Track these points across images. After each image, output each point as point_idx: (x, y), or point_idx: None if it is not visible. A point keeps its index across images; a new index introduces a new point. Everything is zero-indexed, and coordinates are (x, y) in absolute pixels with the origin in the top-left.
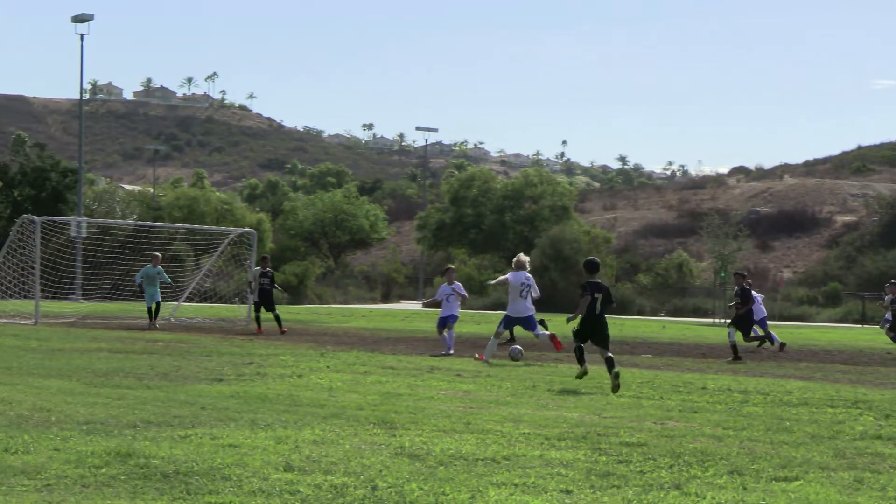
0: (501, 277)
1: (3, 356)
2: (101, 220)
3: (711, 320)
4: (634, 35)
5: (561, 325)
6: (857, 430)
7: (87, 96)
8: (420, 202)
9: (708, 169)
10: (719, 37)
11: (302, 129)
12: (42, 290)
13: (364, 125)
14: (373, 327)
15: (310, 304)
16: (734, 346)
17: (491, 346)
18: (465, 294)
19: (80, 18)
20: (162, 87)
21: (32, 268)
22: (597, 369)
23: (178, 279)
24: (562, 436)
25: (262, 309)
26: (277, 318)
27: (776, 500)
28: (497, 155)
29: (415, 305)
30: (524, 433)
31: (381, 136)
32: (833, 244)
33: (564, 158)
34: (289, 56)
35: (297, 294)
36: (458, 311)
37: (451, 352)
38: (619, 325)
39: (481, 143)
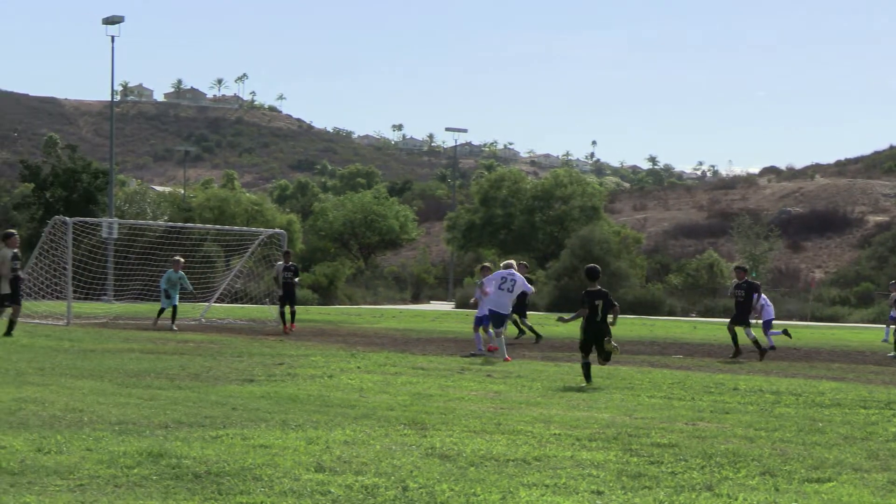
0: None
1: (35, 357)
2: (132, 221)
3: None
4: (665, 35)
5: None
6: (891, 431)
7: (118, 98)
8: (450, 203)
9: (738, 169)
10: (750, 36)
11: (332, 130)
12: (74, 291)
13: (394, 126)
14: (403, 328)
15: (340, 304)
16: (755, 342)
17: (500, 345)
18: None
19: (110, 20)
20: (192, 88)
21: (64, 269)
22: (628, 370)
23: (208, 280)
24: (593, 437)
25: (286, 304)
26: (292, 314)
27: (809, 502)
28: (527, 155)
29: (445, 306)
30: (555, 434)
31: (411, 137)
32: (865, 244)
33: (594, 159)
34: (319, 57)
35: (327, 295)
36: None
37: (482, 351)
38: (649, 326)
39: (511, 144)
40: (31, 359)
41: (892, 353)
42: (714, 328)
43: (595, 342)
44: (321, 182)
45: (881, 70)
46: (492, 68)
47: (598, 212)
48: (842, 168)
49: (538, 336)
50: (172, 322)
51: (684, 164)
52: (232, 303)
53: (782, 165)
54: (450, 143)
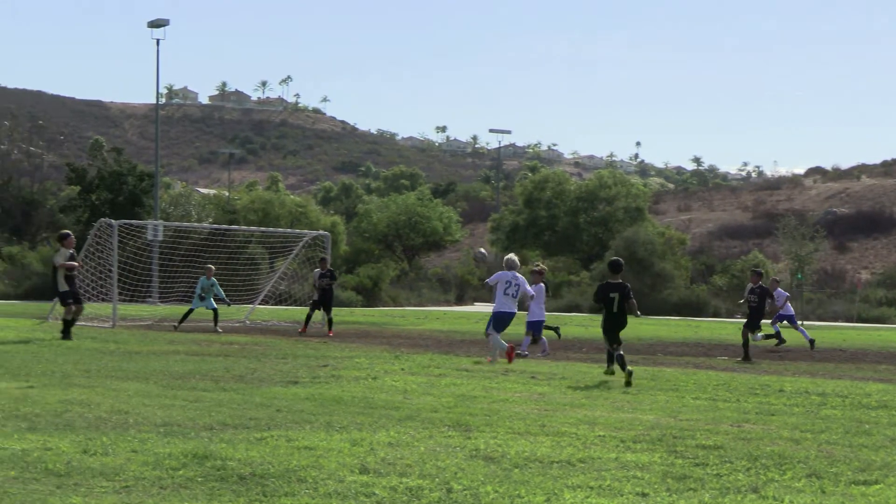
0: (490, 279)
1: (81, 359)
2: (177, 223)
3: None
4: (709, 35)
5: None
6: None
7: (163, 101)
8: (494, 204)
9: (784, 170)
10: (795, 35)
11: (375, 132)
12: (119, 294)
13: (437, 127)
14: (447, 329)
15: (384, 306)
16: (777, 335)
17: (496, 343)
18: (527, 290)
19: (156, 24)
20: (237, 91)
21: (110, 271)
22: (673, 372)
23: (252, 282)
24: (637, 438)
25: (319, 309)
26: (329, 321)
27: None
28: (571, 156)
29: (489, 308)
30: (599, 435)
31: (455, 139)
32: None
33: (638, 160)
34: (362, 59)
35: (371, 297)
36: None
37: (525, 351)
38: (694, 328)
39: (555, 145)
40: (77, 361)
41: None
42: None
43: (615, 332)
44: (365, 184)
45: None
46: (535, 69)
47: (642, 213)
48: (888, 168)
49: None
50: (215, 324)
51: (729, 165)
52: (276, 305)
53: (828, 166)
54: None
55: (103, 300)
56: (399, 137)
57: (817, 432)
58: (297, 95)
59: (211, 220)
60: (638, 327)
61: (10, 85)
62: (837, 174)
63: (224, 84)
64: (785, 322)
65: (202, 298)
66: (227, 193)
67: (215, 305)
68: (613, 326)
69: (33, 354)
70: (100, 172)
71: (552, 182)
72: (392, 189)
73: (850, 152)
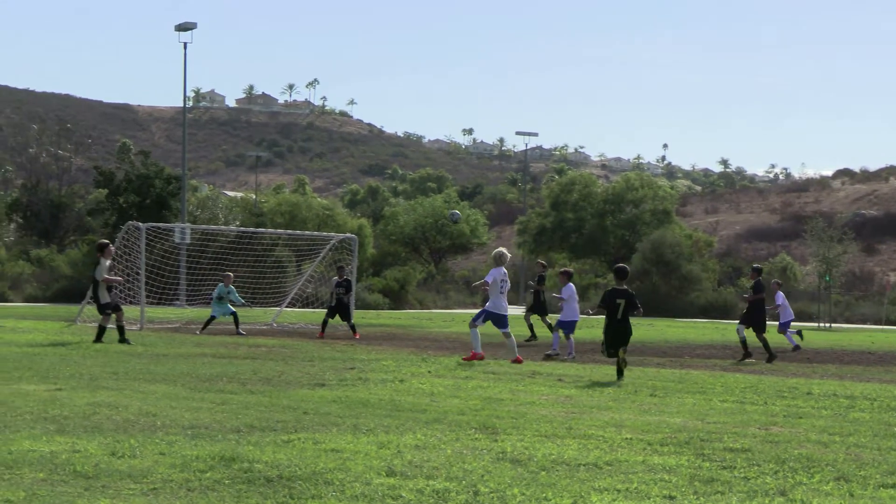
0: (483, 282)
1: (109, 361)
2: (204, 226)
3: (816, 324)
4: (736, 37)
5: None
6: None
7: (190, 104)
8: (520, 207)
9: (811, 171)
10: (822, 37)
11: (402, 135)
12: (147, 296)
13: (464, 130)
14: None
15: (411, 309)
16: (744, 343)
17: (475, 338)
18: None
19: (183, 27)
20: (264, 94)
21: (138, 274)
22: (700, 374)
23: (280, 285)
24: (664, 441)
25: (336, 316)
26: (352, 327)
27: None
28: (598, 159)
29: (516, 310)
30: (626, 438)
31: (482, 141)
32: None
33: (665, 162)
34: (389, 62)
35: (398, 299)
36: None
37: (556, 351)
38: (721, 330)
39: (582, 148)
40: (105, 363)
41: None
42: None
43: (614, 341)
44: (392, 186)
45: None
46: (562, 71)
47: (669, 215)
48: None
49: (533, 335)
50: (237, 328)
51: (756, 167)
52: (303, 307)
53: (856, 167)
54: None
55: (131, 303)
56: (426, 140)
57: (845, 435)
58: (324, 98)
59: (238, 222)
60: (665, 330)
61: (39, 88)
62: (865, 176)
63: (251, 87)
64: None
65: (220, 300)
66: (254, 196)
67: (234, 309)
68: (617, 333)
69: (62, 357)
70: (127, 175)
71: (579, 184)
72: (419, 192)
73: (878, 154)
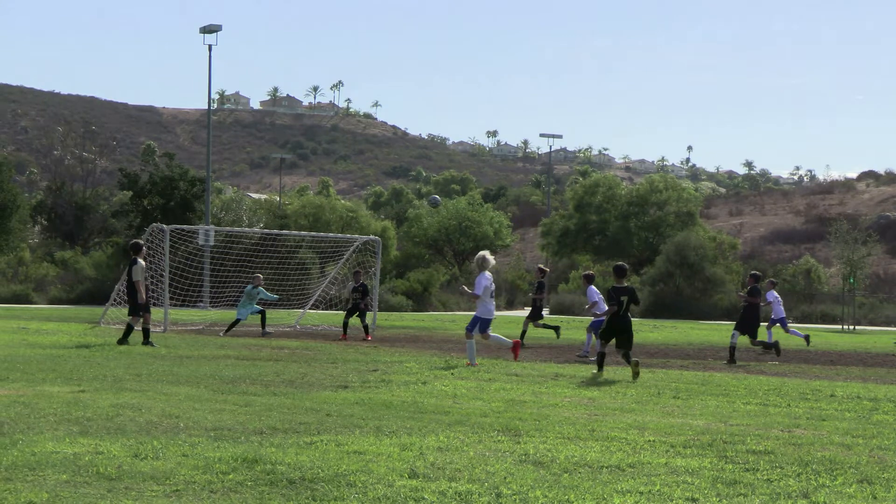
0: (475, 290)
1: (133, 363)
2: (228, 228)
3: (840, 327)
4: (761, 38)
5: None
6: None
7: (214, 106)
8: (544, 209)
9: (836, 173)
10: (847, 38)
11: (426, 137)
12: (171, 298)
13: (488, 132)
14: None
15: (434, 311)
16: (733, 349)
17: (471, 348)
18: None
19: (208, 30)
20: (288, 96)
21: (162, 276)
22: (722, 376)
23: (303, 287)
24: (687, 443)
25: (355, 316)
26: (365, 327)
27: None
28: (622, 161)
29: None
30: (649, 440)
31: (506, 143)
32: None
33: (690, 164)
34: (413, 64)
35: (421, 301)
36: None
37: (587, 353)
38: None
39: (606, 150)
40: (129, 365)
41: None
42: (811, 334)
43: (617, 334)
44: (416, 188)
45: None
46: (587, 73)
47: (693, 217)
48: None
49: (521, 336)
50: (263, 328)
51: (781, 169)
52: (327, 309)
53: (881, 170)
54: (544, 149)
55: (155, 305)
56: (450, 142)
57: (869, 438)
58: (349, 100)
59: (262, 224)
60: (689, 332)
61: (64, 91)
62: (890, 178)
63: (276, 89)
64: (778, 325)
65: (251, 298)
66: (278, 198)
67: (261, 308)
68: (619, 327)
69: (85, 359)
70: (152, 177)
71: (603, 186)
72: (443, 194)
73: None
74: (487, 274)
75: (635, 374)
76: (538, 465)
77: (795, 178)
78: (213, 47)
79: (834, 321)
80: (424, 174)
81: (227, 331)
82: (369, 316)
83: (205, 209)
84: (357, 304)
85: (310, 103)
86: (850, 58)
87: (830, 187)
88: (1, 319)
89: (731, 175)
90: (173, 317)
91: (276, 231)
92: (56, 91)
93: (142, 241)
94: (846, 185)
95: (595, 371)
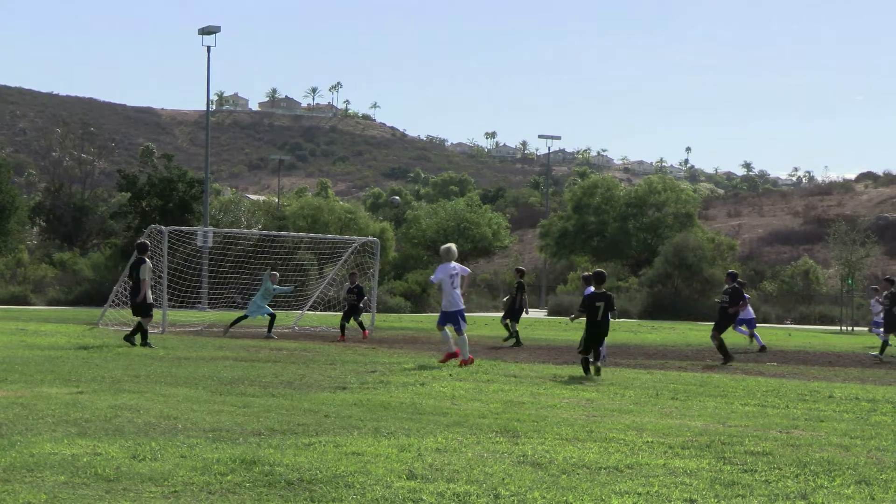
0: (434, 277)
1: (131, 364)
2: (226, 229)
3: (838, 328)
4: (759, 39)
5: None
6: None
7: (213, 107)
8: (543, 210)
9: (835, 175)
10: (847, 38)
11: (425, 138)
12: (169, 299)
13: (487, 133)
14: (495, 335)
15: (432, 312)
16: (721, 346)
17: (445, 339)
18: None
19: (206, 31)
20: (287, 97)
21: (160, 277)
22: (722, 378)
23: (301, 288)
24: (685, 444)
25: (350, 318)
26: (361, 325)
27: None
28: (620, 162)
29: (538, 314)
30: (647, 442)
31: (504, 145)
32: None
33: (688, 165)
34: (412, 65)
35: (419, 302)
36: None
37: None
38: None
39: (604, 151)
40: (127, 366)
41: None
42: (810, 335)
43: (594, 341)
44: (414, 190)
45: None
46: (585, 74)
47: (692, 218)
48: None
49: (515, 338)
50: (269, 330)
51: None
52: (325, 311)
53: (879, 171)
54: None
55: (153, 306)
56: (448, 143)
57: (867, 439)
58: (347, 102)
59: (260, 226)
60: (687, 333)
61: (62, 92)
62: (889, 179)
63: (274, 91)
64: (743, 326)
65: (268, 295)
66: (276, 200)
67: (273, 312)
68: (595, 334)
69: (83, 360)
70: (150, 179)
71: (601, 188)
72: (441, 195)
73: None
74: (452, 264)
75: (596, 371)
76: (536, 466)
77: (794, 179)
78: (211, 49)
79: (832, 322)
80: (423, 175)
81: (229, 326)
82: (367, 316)
83: (203, 210)
84: (354, 305)
85: (308, 104)
86: (849, 58)
87: (829, 188)
88: None
89: (729, 176)
90: (172, 318)
91: (274, 232)
92: (54, 92)
93: (148, 242)
94: (844, 187)
95: (585, 375)
